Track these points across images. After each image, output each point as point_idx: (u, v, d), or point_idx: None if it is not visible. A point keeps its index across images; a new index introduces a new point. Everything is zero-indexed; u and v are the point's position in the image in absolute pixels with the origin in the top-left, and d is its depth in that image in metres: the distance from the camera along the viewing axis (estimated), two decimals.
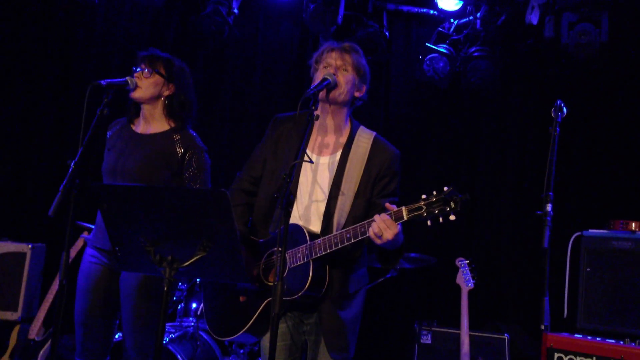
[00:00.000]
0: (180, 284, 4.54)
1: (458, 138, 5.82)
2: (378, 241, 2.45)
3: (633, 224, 3.72)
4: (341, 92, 2.73)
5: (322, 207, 2.71)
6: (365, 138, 2.80)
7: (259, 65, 5.94)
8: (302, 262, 2.59)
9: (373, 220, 2.45)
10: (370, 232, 2.45)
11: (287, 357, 2.76)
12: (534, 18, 4.99)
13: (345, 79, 2.73)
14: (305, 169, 2.75)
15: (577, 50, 4.85)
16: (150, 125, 3.32)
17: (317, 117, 2.59)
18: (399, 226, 2.44)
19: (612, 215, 3.93)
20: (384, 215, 2.44)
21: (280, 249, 2.28)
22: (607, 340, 3.18)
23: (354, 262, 2.75)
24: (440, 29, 5.62)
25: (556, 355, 3.12)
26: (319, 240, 2.57)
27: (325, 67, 2.77)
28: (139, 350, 3.15)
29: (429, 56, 5.44)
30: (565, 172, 5.21)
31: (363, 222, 2.51)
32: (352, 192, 2.69)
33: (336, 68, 2.74)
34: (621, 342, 3.11)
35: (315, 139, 2.83)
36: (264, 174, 2.87)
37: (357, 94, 2.82)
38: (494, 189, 5.67)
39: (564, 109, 2.90)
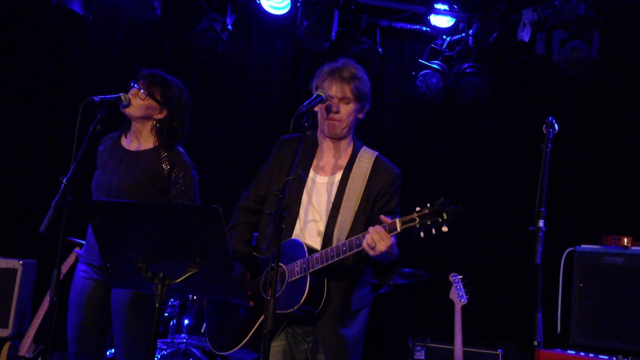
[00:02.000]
0: (172, 300, 4.51)
1: (451, 153, 5.84)
2: (372, 252, 2.46)
3: (625, 239, 3.74)
4: (343, 127, 2.77)
5: (322, 225, 2.73)
6: (366, 158, 2.83)
7: (252, 80, 5.95)
8: (299, 275, 2.60)
9: (367, 232, 2.47)
10: (364, 244, 2.47)
11: None
12: (525, 35, 5.04)
13: (347, 112, 2.76)
14: (307, 188, 2.79)
15: (568, 67, 4.89)
16: (139, 141, 3.31)
17: (311, 134, 2.61)
18: (392, 238, 2.45)
19: (605, 231, 3.94)
20: (377, 227, 2.46)
21: (273, 264, 2.29)
22: (600, 356, 3.17)
23: (356, 279, 2.76)
24: (433, 45, 5.67)
25: None
26: (316, 254, 2.59)
27: (329, 96, 2.75)
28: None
29: (422, 72, 5.49)
30: (558, 188, 5.23)
31: (359, 235, 2.52)
32: (352, 211, 2.72)
33: (338, 100, 2.74)
34: (614, 358, 3.11)
35: (318, 159, 2.87)
36: (268, 194, 2.90)
37: (360, 116, 2.85)
38: (486, 205, 5.68)
39: (556, 125, 2.92)
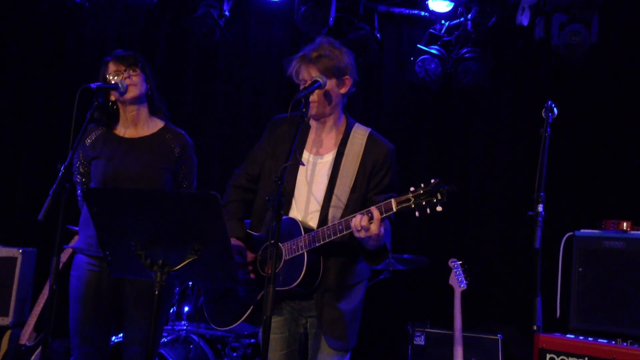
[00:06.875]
0: None
1: (450, 139, 5.82)
2: (362, 234, 2.48)
3: (624, 224, 3.73)
4: (317, 107, 2.76)
5: (319, 204, 2.75)
6: (360, 135, 2.85)
7: (250, 67, 5.92)
8: (296, 253, 2.64)
9: (358, 214, 2.49)
10: (356, 222, 2.47)
11: (284, 348, 2.82)
12: (524, 19, 5.01)
13: (317, 93, 2.73)
14: (303, 169, 2.80)
15: (568, 51, 4.86)
16: (137, 128, 3.26)
17: (308, 119, 2.62)
18: (380, 229, 2.46)
19: (604, 215, 3.94)
20: (372, 208, 2.48)
21: (272, 247, 2.30)
22: (600, 340, 3.18)
23: (352, 255, 2.78)
24: (431, 30, 5.62)
25: (548, 355, 3.12)
26: (313, 233, 2.62)
27: (301, 80, 2.78)
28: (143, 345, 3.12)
29: (420, 57, 5.45)
30: (557, 173, 5.22)
31: (355, 214, 2.53)
32: (347, 188, 2.74)
33: (305, 83, 2.74)
34: (613, 342, 3.11)
35: (311, 139, 2.87)
36: (262, 174, 2.92)
37: (342, 91, 2.82)
38: (485, 190, 5.67)
39: (555, 109, 2.91)
